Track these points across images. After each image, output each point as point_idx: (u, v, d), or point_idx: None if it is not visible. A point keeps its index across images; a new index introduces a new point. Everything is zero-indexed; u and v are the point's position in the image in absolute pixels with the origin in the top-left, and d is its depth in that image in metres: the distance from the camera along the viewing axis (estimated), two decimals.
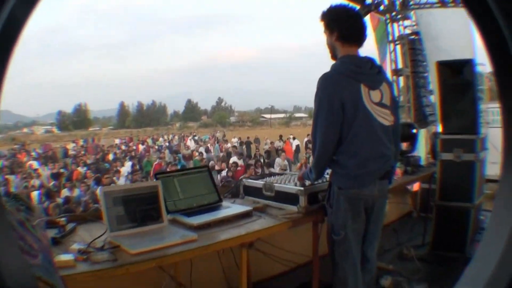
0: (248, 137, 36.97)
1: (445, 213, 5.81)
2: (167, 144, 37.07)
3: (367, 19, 12.42)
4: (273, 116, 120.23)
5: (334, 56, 3.34)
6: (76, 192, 14.15)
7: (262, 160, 22.28)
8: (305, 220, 3.64)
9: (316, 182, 3.73)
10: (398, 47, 12.47)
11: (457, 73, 5.73)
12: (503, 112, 1.41)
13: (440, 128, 6.05)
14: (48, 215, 10.70)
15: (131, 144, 37.66)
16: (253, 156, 23.95)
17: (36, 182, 17.24)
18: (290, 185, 3.80)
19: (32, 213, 2.79)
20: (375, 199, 3.28)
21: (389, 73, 12.70)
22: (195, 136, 46.04)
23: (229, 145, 34.25)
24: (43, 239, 2.44)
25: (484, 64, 16.26)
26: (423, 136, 12.93)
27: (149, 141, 41.09)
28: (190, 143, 38.96)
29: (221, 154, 29.15)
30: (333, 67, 3.24)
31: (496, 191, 1.48)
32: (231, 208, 3.70)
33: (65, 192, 14.06)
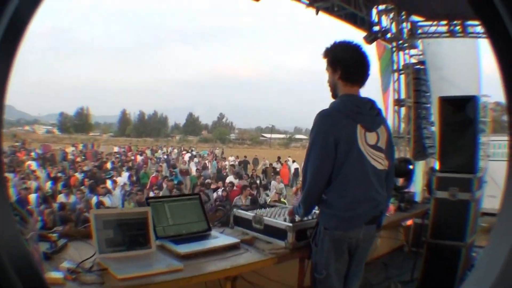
0: (245, 156, 36.89)
1: (435, 251, 5.79)
2: (165, 157, 36.88)
3: (373, 46, 12.50)
4: (273, 136, 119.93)
5: (334, 95, 3.34)
6: (72, 198, 14.17)
7: (258, 181, 22.25)
8: (292, 256, 3.66)
9: (305, 218, 3.74)
10: (402, 77, 12.53)
11: (459, 110, 5.69)
12: None
13: (437, 165, 6.04)
14: (43, 220, 10.70)
15: (129, 153, 37.52)
16: (249, 176, 23.68)
17: (33, 183, 17.23)
18: (280, 220, 3.81)
19: (26, 225, 2.82)
20: (359, 242, 3.29)
21: (391, 103, 12.77)
22: (192, 151, 46.19)
23: (226, 163, 34.27)
24: (35, 253, 2.49)
25: (489, 95, 16.39)
26: (421, 169, 12.95)
27: (148, 152, 40.87)
28: (188, 158, 39.32)
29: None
30: (332, 104, 3.25)
31: (497, 218, 1.50)
32: (219, 238, 3.73)
33: (61, 198, 14.04)
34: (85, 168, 23.77)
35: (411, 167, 6.31)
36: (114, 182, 17.70)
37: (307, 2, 10.62)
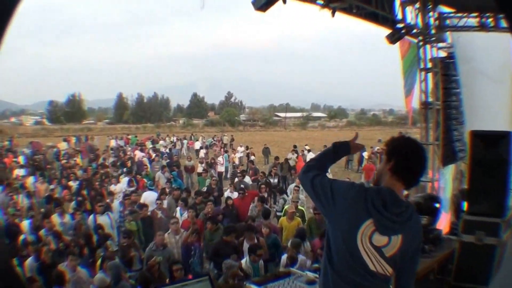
0: (250, 149, 35.87)
1: None
2: (167, 151, 36.57)
3: (397, 46, 12.51)
4: (288, 115, 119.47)
5: (377, 183, 3.49)
6: (67, 217, 13.96)
7: (276, 180, 21.84)
8: None
9: None
10: (430, 76, 12.46)
11: (491, 146, 5.76)
12: None
13: (465, 206, 6.17)
14: (41, 259, 10.67)
15: (128, 149, 37.03)
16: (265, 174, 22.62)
17: (24, 201, 17.09)
18: None
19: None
20: None
21: (417, 105, 12.85)
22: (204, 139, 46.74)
23: (237, 155, 34.42)
24: None
25: None
26: (451, 172, 13.08)
27: (148, 144, 41.05)
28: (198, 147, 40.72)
29: (230, 168, 29.21)
30: (368, 188, 3.34)
31: None
32: None
33: (55, 218, 13.67)
34: (79, 173, 23.70)
35: (437, 205, 6.40)
36: (111, 193, 17.44)
37: (322, 3, 10.48)
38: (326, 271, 3.34)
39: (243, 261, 9.33)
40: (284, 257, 10.16)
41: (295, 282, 4.41)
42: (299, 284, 4.33)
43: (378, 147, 33.17)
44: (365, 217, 3.19)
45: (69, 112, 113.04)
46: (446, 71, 12.21)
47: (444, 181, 12.68)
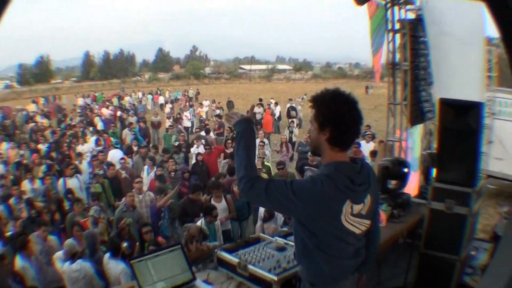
0: (218, 104, 36.44)
1: (429, 262, 5.95)
2: (132, 107, 36.37)
3: (364, 7, 12.34)
4: (253, 67, 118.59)
5: (316, 152, 3.26)
6: (37, 183, 13.64)
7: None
8: None
9: (291, 267, 3.93)
10: (398, 36, 12.35)
11: (461, 116, 5.63)
12: None
13: (434, 173, 6.10)
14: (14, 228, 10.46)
15: (95, 107, 36.47)
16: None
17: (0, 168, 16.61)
18: (265, 268, 3.95)
19: None
20: None
21: (385, 63, 12.77)
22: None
23: (203, 109, 34.24)
24: None
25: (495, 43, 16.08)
26: (419, 132, 13.10)
27: (115, 100, 40.96)
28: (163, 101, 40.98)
29: (196, 122, 29.02)
30: (329, 174, 3.06)
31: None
32: None
33: (26, 185, 13.45)
34: (48, 135, 23.31)
35: (405, 170, 6.32)
36: (80, 154, 16.97)
37: None
38: (310, 254, 3.23)
39: (198, 223, 9.02)
40: (261, 210, 10.12)
41: (265, 248, 4.38)
42: (269, 251, 4.31)
43: None
44: (343, 201, 3.05)
45: (38, 73, 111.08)
46: (414, 32, 12.04)
47: (412, 141, 12.67)
